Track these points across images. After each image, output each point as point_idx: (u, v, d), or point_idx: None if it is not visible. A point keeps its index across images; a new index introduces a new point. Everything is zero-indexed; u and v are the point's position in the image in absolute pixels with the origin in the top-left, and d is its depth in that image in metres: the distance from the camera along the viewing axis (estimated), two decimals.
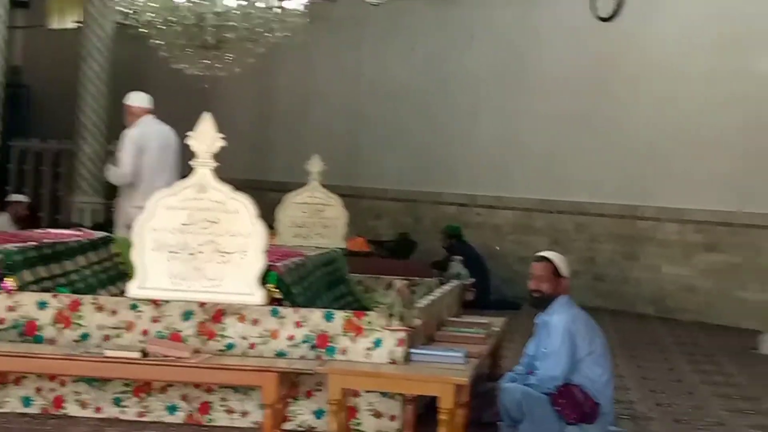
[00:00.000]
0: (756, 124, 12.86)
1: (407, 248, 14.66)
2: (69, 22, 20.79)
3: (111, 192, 12.18)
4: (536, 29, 15.36)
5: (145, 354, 6.45)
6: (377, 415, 6.76)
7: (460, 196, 16.11)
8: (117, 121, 11.85)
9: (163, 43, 13.56)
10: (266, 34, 13.59)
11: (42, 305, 6.94)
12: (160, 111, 10.21)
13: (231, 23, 13.18)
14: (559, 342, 7.02)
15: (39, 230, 9.52)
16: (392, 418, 6.75)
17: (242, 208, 6.99)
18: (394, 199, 17.22)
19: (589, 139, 14.55)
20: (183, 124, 9.05)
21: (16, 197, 15.04)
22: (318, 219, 11.89)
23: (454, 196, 16.20)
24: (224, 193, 7.01)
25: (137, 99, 10.09)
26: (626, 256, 14.17)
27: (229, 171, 7.18)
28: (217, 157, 7.06)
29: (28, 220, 14.10)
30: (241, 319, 6.81)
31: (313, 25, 14.06)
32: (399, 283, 6.92)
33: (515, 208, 15.47)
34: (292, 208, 11.92)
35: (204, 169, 7.02)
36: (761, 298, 12.62)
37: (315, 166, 11.96)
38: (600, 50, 14.57)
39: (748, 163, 12.96)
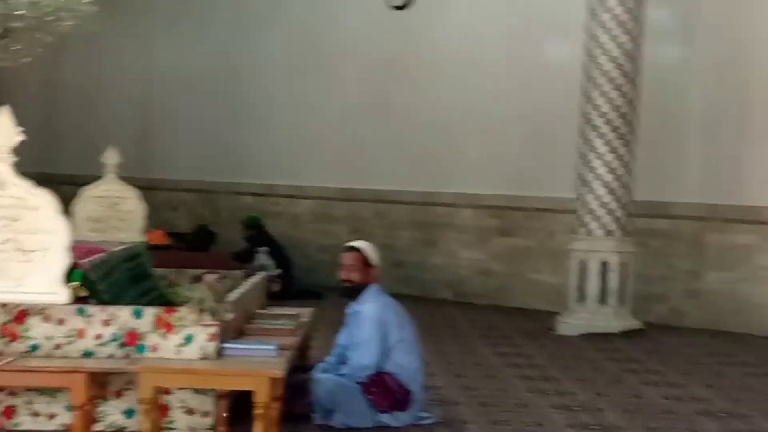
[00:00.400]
0: (546, 111, 13.22)
1: (207, 240, 14.48)
2: None
3: None
4: (331, 15, 15.41)
5: None
6: (190, 412, 6.67)
7: (258, 185, 16.05)
8: None
9: None
10: (55, 22, 13.18)
11: None
12: None
13: (19, 12, 12.73)
14: (371, 331, 7.10)
15: None
16: (205, 414, 6.67)
17: (44, 204, 6.73)
18: (189, 189, 17.01)
19: (387, 126, 14.70)
20: None
21: None
22: (115, 212, 11.65)
23: (251, 185, 16.12)
24: (24, 188, 6.73)
25: None
26: (424, 243, 14.41)
27: (18, 165, 6.90)
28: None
29: None
30: (46, 318, 6.59)
31: (101, 13, 13.72)
32: (209, 277, 6.82)
33: (315, 197, 15.50)
34: (88, 201, 11.64)
35: (2, 165, 6.73)
36: (553, 280, 13.01)
37: (110, 158, 11.71)
38: (396, 38, 14.72)
39: (539, 149, 13.33)
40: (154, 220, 12.88)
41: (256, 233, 14.15)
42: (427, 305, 12.82)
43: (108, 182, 11.67)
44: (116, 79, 17.83)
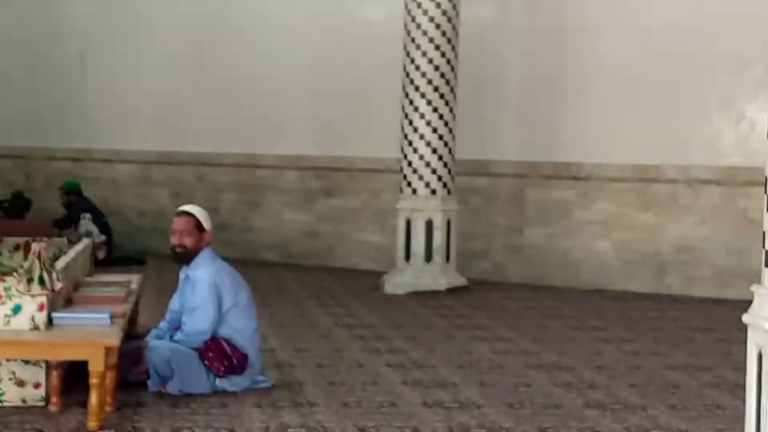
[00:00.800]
0: (368, 72, 13.26)
1: (22, 207, 14.04)
2: None
3: None
4: None
5: None
6: (20, 383, 6.46)
7: (74, 150, 15.63)
8: None
9: None
10: None
11: None
12: None
13: None
14: (205, 295, 7.01)
15: None
16: (36, 385, 6.47)
17: None
18: (1, 155, 16.44)
19: (206, 87, 14.51)
20: None
21: None
22: None
23: (68, 150, 15.69)
24: None
25: None
26: (248, 205, 14.32)
27: None
28: None
29: None
30: None
31: None
32: (36, 245, 6.57)
33: (133, 161, 15.20)
34: None
35: None
36: (379, 239, 13.14)
37: None
38: None
39: (362, 110, 13.35)
40: None
41: (76, 199, 13.78)
42: (253, 268, 12.67)
43: None
44: None
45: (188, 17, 14.70)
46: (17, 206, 13.99)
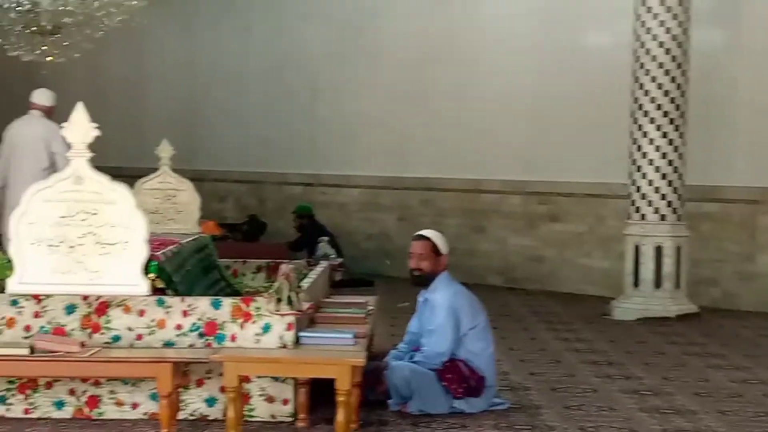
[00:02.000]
0: (591, 98, 13.18)
1: (258, 230, 14.58)
2: None
3: None
4: (371, 5, 15.48)
5: (32, 350, 6.26)
6: (270, 400, 6.76)
7: (305, 175, 16.13)
8: None
9: None
10: (104, 17, 13.34)
11: None
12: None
13: (68, 8, 12.89)
14: (444, 318, 7.17)
15: None
16: (285, 402, 6.77)
17: (120, 198, 6.89)
18: (237, 180, 17.12)
19: (431, 113, 14.74)
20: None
21: None
22: (171, 204, 11.70)
23: (298, 176, 16.20)
24: (102, 183, 6.90)
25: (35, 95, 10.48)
26: (473, 230, 14.44)
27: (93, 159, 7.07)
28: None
29: None
30: (127, 310, 6.69)
31: (146, 7, 13.85)
32: (285, 267, 6.88)
33: (361, 186, 15.56)
34: (143, 194, 11.69)
35: (80, 160, 6.89)
36: (604, 265, 13.06)
37: (165, 151, 11.76)
38: (435, 25, 14.78)
39: (584, 136, 13.31)
40: (202, 211, 12.97)
41: (308, 222, 14.21)
42: (479, 291, 12.68)
43: (163, 174, 11.75)
44: (160, 71, 17.96)
45: (414, 46, 14.98)
46: (253, 229, 14.53)
